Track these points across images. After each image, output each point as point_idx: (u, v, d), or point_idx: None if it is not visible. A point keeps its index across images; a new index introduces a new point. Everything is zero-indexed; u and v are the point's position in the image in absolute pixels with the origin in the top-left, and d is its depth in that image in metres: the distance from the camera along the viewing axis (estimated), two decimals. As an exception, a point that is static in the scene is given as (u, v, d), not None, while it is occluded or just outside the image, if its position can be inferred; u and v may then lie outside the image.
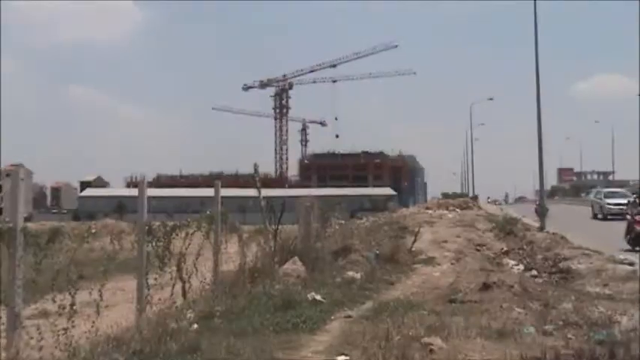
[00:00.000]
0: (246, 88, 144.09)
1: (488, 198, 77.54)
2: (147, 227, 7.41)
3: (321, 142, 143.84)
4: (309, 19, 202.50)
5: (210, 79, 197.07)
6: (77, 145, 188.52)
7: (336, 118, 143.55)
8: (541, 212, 26.99)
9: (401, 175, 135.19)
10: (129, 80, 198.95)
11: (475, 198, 62.63)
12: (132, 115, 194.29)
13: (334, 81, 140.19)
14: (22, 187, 5.46)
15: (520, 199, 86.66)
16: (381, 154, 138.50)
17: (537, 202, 34.70)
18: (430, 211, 34.84)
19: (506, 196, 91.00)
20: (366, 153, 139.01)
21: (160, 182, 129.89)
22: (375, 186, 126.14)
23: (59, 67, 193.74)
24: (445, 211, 35.19)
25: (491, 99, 75.40)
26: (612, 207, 32.26)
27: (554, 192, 69.88)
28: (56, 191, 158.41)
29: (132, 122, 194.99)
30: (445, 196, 62.82)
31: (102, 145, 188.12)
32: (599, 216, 34.04)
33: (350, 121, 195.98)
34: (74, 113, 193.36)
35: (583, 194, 74.34)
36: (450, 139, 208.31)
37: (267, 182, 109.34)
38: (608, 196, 34.69)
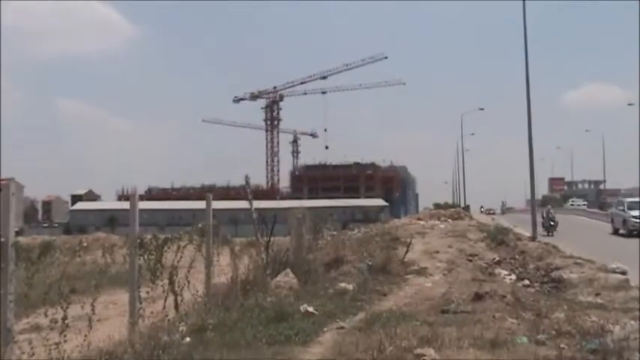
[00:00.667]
0: (237, 100, 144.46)
1: (482, 208, 77.47)
2: (139, 240, 7.39)
3: (312, 154, 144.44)
4: (299, 31, 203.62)
5: (200, 91, 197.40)
6: (68, 158, 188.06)
7: (325, 130, 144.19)
8: (547, 226, 26.59)
9: (392, 185, 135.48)
10: (119, 93, 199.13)
11: (467, 208, 62.78)
12: (122, 128, 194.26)
13: (323, 92, 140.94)
14: (13, 201, 5.44)
15: (508, 209, 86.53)
16: (372, 165, 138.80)
17: (545, 213, 33.40)
18: (422, 222, 34.84)
19: (503, 204, 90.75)
20: (357, 164, 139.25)
21: (151, 195, 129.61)
22: (366, 197, 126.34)
23: (49, 80, 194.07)
24: (437, 222, 35.19)
25: (481, 109, 75.86)
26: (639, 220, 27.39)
27: (545, 201, 69.99)
28: (47, 205, 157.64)
29: (123, 135, 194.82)
30: (437, 206, 62.94)
31: (93, 159, 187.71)
32: (622, 231, 28.82)
33: (341, 133, 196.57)
34: (65, 127, 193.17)
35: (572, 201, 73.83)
36: (441, 149, 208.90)
37: (259, 194, 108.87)
38: (632, 207, 28.80)
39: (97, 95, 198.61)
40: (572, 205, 36.57)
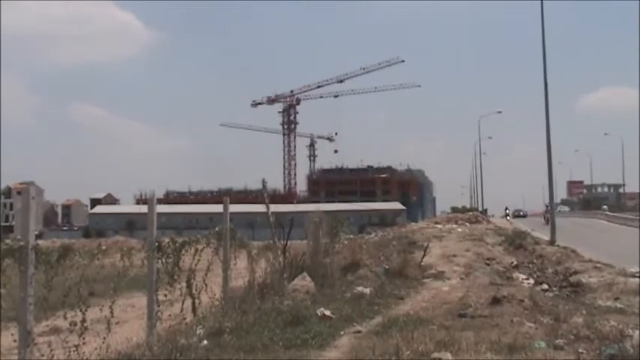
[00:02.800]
0: (255, 104, 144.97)
1: (507, 210, 76.06)
2: (156, 244, 7.44)
3: (329, 157, 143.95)
4: (316, 35, 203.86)
5: (218, 96, 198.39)
6: (88, 163, 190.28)
7: (335, 134, 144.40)
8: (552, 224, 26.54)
9: (409, 189, 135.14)
10: (137, 98, 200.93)
11: (484, 212, 62.40)
12: (141, 132, 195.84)
13: (336, 96, 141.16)
14: (33, 205, 5.50)
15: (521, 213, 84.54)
16: (389, 169, 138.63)
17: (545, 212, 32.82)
18: (439, 226, 34.69)
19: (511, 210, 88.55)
20: (373, 168, 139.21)
21: (169, 199, 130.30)
22: (383, 201, 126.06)
23: (70, 86, 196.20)
24: (454, 226, 35.04)
25: (499, 112, 75.58)
26: None
27: (564, 205, 68.81)
28: (67, 209, 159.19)
29: (141, 140, 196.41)
30: (454, 210, 62.60)
31: (112, 163, 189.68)
32: None
33: (357, 136, 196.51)
34: (84, 132, 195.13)
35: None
36: (458, 152, 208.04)
37: (276, 198, 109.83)
38: None
39: (116, 100, 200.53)
40: (559, 211, 36.20)
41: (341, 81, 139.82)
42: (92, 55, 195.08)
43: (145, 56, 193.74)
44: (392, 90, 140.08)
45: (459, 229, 31.51)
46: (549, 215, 32.13)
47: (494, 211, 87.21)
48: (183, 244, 7.86)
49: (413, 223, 43.26)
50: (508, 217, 66.68)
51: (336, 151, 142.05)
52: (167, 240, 7.72)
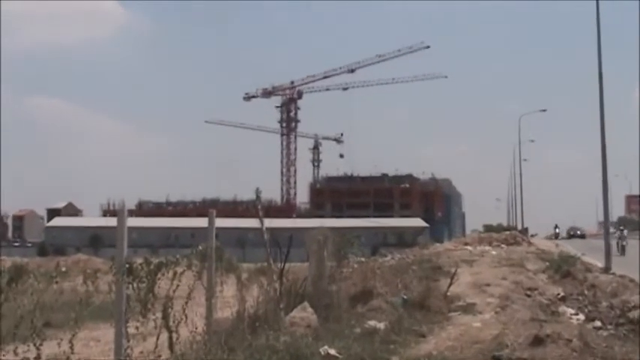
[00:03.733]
0: (247, 97, 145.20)
1: (557, 229, 75.29)
2: (127, 265, 7.43)
3: (336, 163, 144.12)
4: (321, 17, 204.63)
5: (203, 88, 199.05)
6: (45, 165, 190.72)
7: (341, 135, 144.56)
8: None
9: (433, 202, 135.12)
10: (107, 90, 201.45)
11: (524, 231, 62.30)
12: (109, 130, 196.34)
13: (345, 88, 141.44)
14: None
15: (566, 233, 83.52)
16: (408, 178, 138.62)
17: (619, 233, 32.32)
18: (469, 247, 34.66)
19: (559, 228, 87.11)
20: (390, 176, 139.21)
21: (142, 210, 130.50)
22: (402, 216, 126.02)
23: (23, 75, 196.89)
24: (488, 248, 35.00)
25: (543, 110, 75.19)
26: None
27: (621, 224, 68.11)
28: (19, 221, 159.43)
29: (110, 139, 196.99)
30: (488, 228, 62.53)
31: (74, 166, 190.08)
32: None
33: (370, 137, 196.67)
34: (42, 129, 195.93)
35: None
36: (493, 158, 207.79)
37: (272, 211, 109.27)
38: None
39: (81, 92, 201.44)
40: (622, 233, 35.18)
41: (352, 70, 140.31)
42: (54, 38, 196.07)
43: (119, 40, 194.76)
44: (413, 82, 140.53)
45: (494, 252, 31.43)
46: (624, 242, 31.68)
47: (537, 230, 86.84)
48: (159, 265, 7.85)
49: (437, 244, 43.16)
50: (556, 237, 66.35)
51: (341, 156, 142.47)
52: (140, 261, 7.71)
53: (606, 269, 24.16)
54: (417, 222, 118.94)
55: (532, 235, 68.31)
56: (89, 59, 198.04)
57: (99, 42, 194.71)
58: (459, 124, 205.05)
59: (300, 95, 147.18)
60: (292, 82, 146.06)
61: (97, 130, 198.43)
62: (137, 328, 7.43)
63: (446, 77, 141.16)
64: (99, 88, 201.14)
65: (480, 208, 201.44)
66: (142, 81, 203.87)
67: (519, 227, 65.35)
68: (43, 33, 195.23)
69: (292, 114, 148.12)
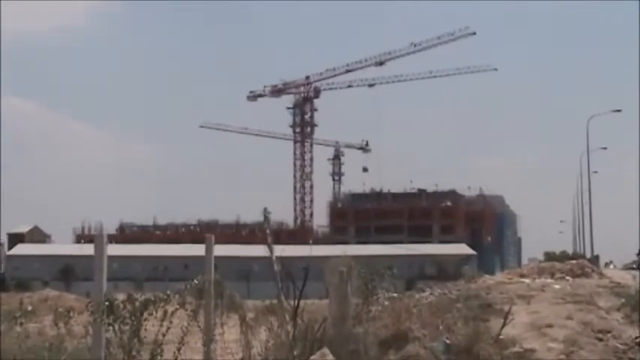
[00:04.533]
0: (253, 96, 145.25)
1: None
2: (106, 302, 7.45)
3: (362, 177, 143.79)
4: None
5: (197, 85, 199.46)
6: (5, 181, 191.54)
7: (366, 144, 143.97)
8: None
9: (482, 225, 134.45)
10: (81, 89, 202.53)
11: (595, 259, 61.82)
12: (86, 137, 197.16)
13: (371, 84, 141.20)
14: None
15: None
16: (451, 194, 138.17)
17: None
18: (527, 280, 34.43)
19: None
20: (428, 192, 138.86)
21: (125, 235, 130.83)
22: (442, 241, 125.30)
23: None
24: (549, 280, 34.74)
25: (617, 111, 74.13)
26: None
27: None
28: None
29: (85, 148, 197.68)
30: (549, 257, 62.13)
31: (42, 182, 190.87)
32: None
33: (404, 145, 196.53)
34: (3, 136, 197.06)
35: None
36: (555, 170, 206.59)
37: (283, 236, 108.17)
38: None
39: (49, 91, 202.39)
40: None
41: (380, 63, 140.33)
42: (17, 26, 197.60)
43: (97, 29, 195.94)
44: (456, 75, 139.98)
45: (557, 286, 31.15)
46: None
47: (611, 258, 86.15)
48: (145, 303, 7.86)
49: (487, 276, 42.84)
50: (639, 267, 65.72)
51: (366, 170, 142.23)
52: (122, 297, 7.73)
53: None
54: (462, 249, 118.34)
55: (605, 265, 67.80)
56: (59, 50, 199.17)
57: (69, 31, 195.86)
58: (513, 127, 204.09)
59: (317, 93, 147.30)
60: (307, 78, 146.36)
61: (69, 138, 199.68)
62: (119, 380, 7.45)
63: (496, 70, 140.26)
64: (69, 86, 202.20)
65: (539, 232, 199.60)
66: (121, 79, 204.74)
67: (588, 255, 64.83)
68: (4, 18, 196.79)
69: (307, 116, 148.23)
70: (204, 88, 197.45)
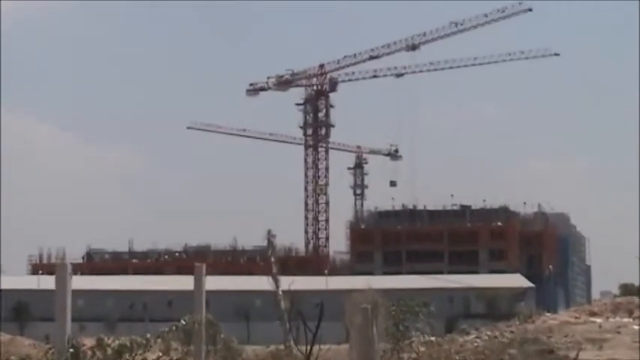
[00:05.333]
0: (254, 90, 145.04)
1: None
2: (71, 349, 7.46)
3: (390, 191, 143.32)
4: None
5: (184, 77, 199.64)
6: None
7: (396, 149, 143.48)
8: None
9: (541, 250, 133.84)
10: (42, 87, 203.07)
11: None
12: (45, 142, 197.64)
13: (399, 75, 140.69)
14: None
15: None
16: (503, 212, 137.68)
17: None
18: (598, 320, 34.42)
19: None
20: (474, 209, 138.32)
21: (93, 265, 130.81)
22: (492, 271, 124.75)
23: None
24: (626, 320, 34.72)
25: None
26: None
27: None
28: None
29: (45, 155, 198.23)
30: (627, 290, 61.85)
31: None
32: None
33: (442, 150, 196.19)
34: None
35: None
36: (632, 181, 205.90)
37: (292, 265, 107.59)
38: None
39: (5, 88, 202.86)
40: None
41: (413, 47, 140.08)
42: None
43: (63, 13, 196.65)
44: (506, 62, 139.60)
45: (636, 327, 31.08)
46: None
47: None
48: (119, 350, 7.88)
49: (548, 315, 42.84)
50: None
51: (393, 184, 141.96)
52: (91, 342, 7.75)
53: None
54: (517, 280, 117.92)
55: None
56: (17, 39, 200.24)
57: (35, 18, 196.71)
58: (578, 126, 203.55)
59: (333, 86, 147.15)
60: (322, 67, 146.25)
61: (25, 142, 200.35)
62: None
63: (557, 55, 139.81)
64: (28, 82, 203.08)
65: (613, 259, 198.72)
66: (91, 72, 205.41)
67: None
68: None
69: (321, 115, 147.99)
70: (191, 79, 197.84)
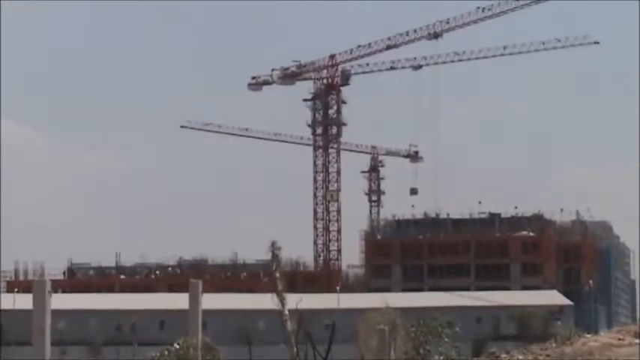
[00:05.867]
0: (256, 84, 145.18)
1: None
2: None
3: (409, 198, 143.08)
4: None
5: (178, 70, 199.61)
6: None
7: (416, 152, 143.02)
8: None
9: (580, 263, 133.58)
10: (21, 83, 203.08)
11: None
12: (21, 145, 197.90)
13: (418, 67, 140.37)
14: None
15: None
16: (537, 220, 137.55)
17: None
18: (645, 342, 34.41)
19: None
20: (504, 218, 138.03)
21: (76, 282, 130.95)
22: (525, 287, 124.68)
23: None
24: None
25: None
26: None
27: None
28: None
29: (21, 160, 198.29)
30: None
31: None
32: None
33: (468, 151, 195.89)
34: None
35: None
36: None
37: (300, 280, 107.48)
38: None
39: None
40: None
41: (436, 35, 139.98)
42: None
43: (47, 8, 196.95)
44: (540, 52, 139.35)
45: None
46: None
47: None
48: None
49: (588, 336, 42.83)
50: None
51: (414, 192, 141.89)
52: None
53: None
54: (552, 297, 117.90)
55: None
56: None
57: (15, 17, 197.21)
58: (623, 126, 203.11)
59: (345, 79, 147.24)
60: (332, 58, 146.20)
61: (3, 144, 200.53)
62: None
63: (597, 43, 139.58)
64: (4, 83, 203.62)
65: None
66: (74, 68, 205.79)
67: None
68: None
69: (332, 112, 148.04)
70: (186, 73, 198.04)
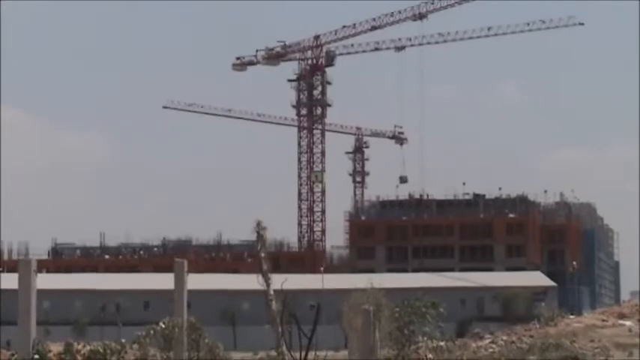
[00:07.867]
0: (241, 64, 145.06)
1: None
2: (36, 355, 7.50)
3: (393, 179, 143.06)
4: None
5: (160, 49, 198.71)
6: None
7: (400, 132, 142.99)
8: None
9: (564, 245, 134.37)
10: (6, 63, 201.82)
11: None
12: (7, 128, 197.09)
13: (399, 48, 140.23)
14: None
15: None
16: (521, 202, 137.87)
17: None
18: (627, 323, 34.60)
19: None
20: (488, 199, 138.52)
21: (60, 261, 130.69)
22: (508, 269, 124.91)
23: None
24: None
25: None
26: None
27: None
28: None
29: (6, 141, 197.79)
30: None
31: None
32: None
33: (453, 133, 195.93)
34: None
35: None
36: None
37: (284, 261, 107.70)
38: None
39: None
40: None
41: (420, 16, 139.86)
42: None
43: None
44: (526, 33, 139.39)
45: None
46: None
47: None
48: (90, 357, 7.92)
49: (572, 317, 42.96)
50: None
51: (404, 180, 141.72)
52: (58, 348, 7.79)
53: None
54: (536, 279, 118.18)
55: None
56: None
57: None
58: (608, 108, 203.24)
59: (330, 60, 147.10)
60: (317, 38, 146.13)
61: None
62: None
63: (582, 25, 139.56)
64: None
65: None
66: (54, 47, 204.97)
67: None
68: None
69: (317, 92, 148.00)
70: (168, 52, 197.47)
